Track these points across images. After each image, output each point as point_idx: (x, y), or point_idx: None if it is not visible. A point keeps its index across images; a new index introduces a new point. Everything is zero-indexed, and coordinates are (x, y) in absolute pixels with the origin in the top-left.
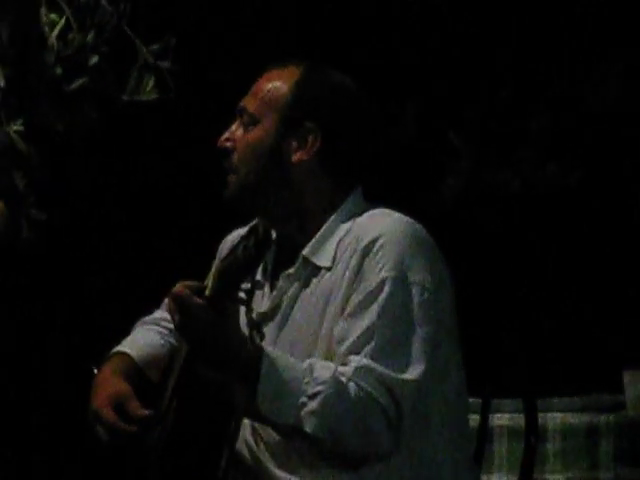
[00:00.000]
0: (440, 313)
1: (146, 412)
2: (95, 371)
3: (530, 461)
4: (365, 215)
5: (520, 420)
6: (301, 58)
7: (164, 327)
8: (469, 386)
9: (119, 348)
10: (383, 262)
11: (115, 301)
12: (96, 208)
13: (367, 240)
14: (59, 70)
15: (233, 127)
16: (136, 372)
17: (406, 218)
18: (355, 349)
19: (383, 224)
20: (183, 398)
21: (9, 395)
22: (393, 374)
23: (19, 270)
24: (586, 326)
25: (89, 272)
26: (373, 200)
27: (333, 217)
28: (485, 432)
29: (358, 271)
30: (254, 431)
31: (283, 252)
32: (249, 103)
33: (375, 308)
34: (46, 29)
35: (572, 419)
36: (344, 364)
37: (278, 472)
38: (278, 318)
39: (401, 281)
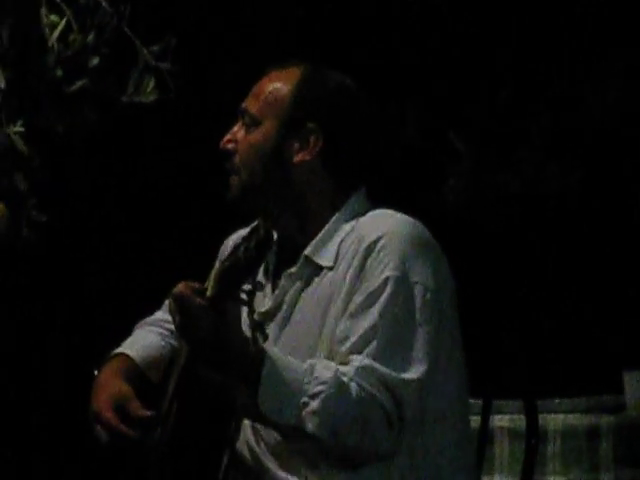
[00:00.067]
0: (442, 313)
1: (147, 413)
2: (95, 372)
3: (531, 462)
4: (368, 215)
5: (521, 421)
6: (301, 58)
7: (165, 328)
8: (470, 387)
9: (120, 349)
10: (385, 262)
11: (115, 302)
12: (96, 209)
13: (369, 240)
14: (59, 71)
15: (235, 128)
16: (137, 373)
17: (409, 218)
18: (357, 349)
19: (386, 224)
20: (184, 399)
21: (9, 395)
22: (394, 374)
23: (19, 270)
24: (586, 327)
25: (89, 273)
26: (376, 201)
27: (335, 217)
28: (486, 433)
29: (360, 271)
30: (255, 432)
31: (285, 252)
32: (250, 104)
33: (377, 308)
34: (46, 30)
35: (573, 420)
36: (345, 364)
37: (279, 472)
38: (280, 317)
39: (403, 281)
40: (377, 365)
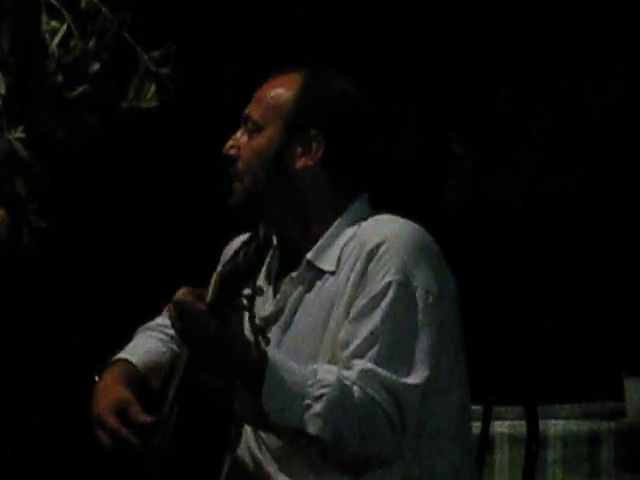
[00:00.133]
0: (444, 318)
1: (148, 418)
2: (96, 378)
3: (531, 468)
4: (370, 220)
5: (521, 427)
6: (303, 60)
7: (165, 334)
8: (470, 393)
9: (120, 355)
10: (388, 267)
11: (116, 306)
12: (97, 215)
13: (372, 245)
14: (60, 77)
15: (237, 134)
16: (138, 379)
17: (411, 224)
18: (359, 353)
19: (388, 229)
20: (184, 404)
21: (9, 395)
22: (396, 378)
23: (20, 272)
24: (587, 333)
25: (89, 279)
26: (377, 203)
27: (338, 222)
28: (486, 439)
29: (362, 275)
30: (256, 436)
31: (287, 256)
32: (253, 110)
33: (379, 312)
34: (47, 36)
35: (573, 426)
36: (348, 368)
37: (281, 477)
38: (281, 322)
39: (405, 286)
40: (379, 369)
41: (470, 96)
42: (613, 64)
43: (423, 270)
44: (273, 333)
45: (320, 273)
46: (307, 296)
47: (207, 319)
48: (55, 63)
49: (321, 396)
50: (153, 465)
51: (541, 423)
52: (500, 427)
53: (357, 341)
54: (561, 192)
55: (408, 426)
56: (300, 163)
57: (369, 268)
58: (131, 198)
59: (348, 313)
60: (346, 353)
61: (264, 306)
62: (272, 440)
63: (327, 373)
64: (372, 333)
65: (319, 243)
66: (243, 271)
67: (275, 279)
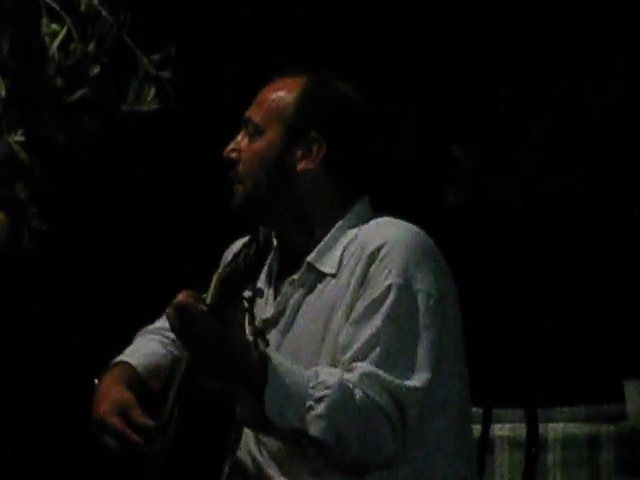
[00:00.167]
0: (445, 321)
1: (149, 421)
2: (96, 381)
3: (531, 471)
4: (371, 223)
5: (521, 430)
6: (303, 60)
7: (166, 337)
8: (470, 396)
9: (121, 357)
10: (389, 269)
11: (116, 310)
12: (97, 218)
13: (373, 247)
14: (60, 81)
15: (238, 137)
16: (138, 381)
17: (412, 226)
18: (360, 356)
19: (389, 232)
20: (185, 407)
21: (9, 395)
22: (398, 381)
23: (21, 274)
24: (587, 336)
25: (90, 281)
26: (378, 206)
27: (339, 224)
28: (486, 442)
29: (363, 278)
30: (257, 439)
31: (288, 258)
32: (254, 113)
33: (380, 315)
34: (47, 39)
35: (573, 429)
36: (349, 371)
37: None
38: (282, 324)
39: (406, 288)
40: (380, 372)
41: (470, 96)
42: (613, 64)
43: (424, 273)
44: (273, 335)
45: (321, 276)
46: (308, 298)
47: (207, 321)
48: (55, 66)
49: (323, 397)
50: (153, 467)
51: (541, 426)
52: (500, 430)
53: (358, 344)
54: (561, 192)
55: (409, 429)
56: (301, 166)
57: (370, 271)
58: (131, 201)
59: (349, 316)
60: (347, 356)
61: (265, 308)
62: (272, 443)
63: (329, 375)
64: (373, 336)
65: (320, 246)
66: (243, 273)
67: (276, 281)
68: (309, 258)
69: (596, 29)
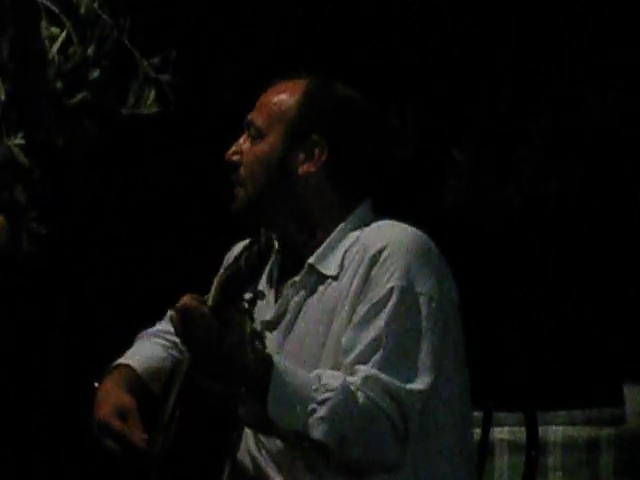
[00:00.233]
0: (446, 323)
1: (143, 434)
2: (96, 384)
3: (531, 474)
4: (372, 225)
5: (521, 433)
6: (303, 60)
7: (166, 339)
8: (470, 397)
9: (121, 360)
10: (390, 272)
11: (115, 313)
12: (97, 221)
13: (374, 250)
14: (60, 84)
15: (240, 140)
16: (139, 384)
17: (413, 229)
18: (362, 359)
19: (390, 234)
20: (185, 409)
21: (9, 395)
22: (400, 384)
23: (21, 274)
24: (587, 339)
25: (89, 284)
26: (378, 206)
27: (340, 227)
28: (486, 445)
29: (365, 281)
30: (257, 440)
31: (289, 260)
32: (256, 116)
33: (382, 318)
34: (47, 43)
35: (573, 432)
36: (351, 374)
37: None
38: (283, 326)
39: (408, 291)
40: (383, 375)
41: (470, 96)
42: (613, 64)
43: (426, 275)
44: (274, 337)
45: (322, 278)
46: (309, 300)
47: (209, 323)
48: (55, 70)
49: (325, 400)
50: (154, 469)
51: (541, 429)
52: (500, 433)
53: (360, 347)
54: (561, 192)
55: (411, 432)
56: (303, 169)
57: (372, 273)
58: (131, 204)
59: (351, 318)
60: (349, 359)
61: (266, 310)
62: (272, 443)
63: (331, 378)
64: (375, 339)
65: (321, 248)
66: (245, 275)
67: (277, 283)
68: (310, 260)
69: (596, 29)
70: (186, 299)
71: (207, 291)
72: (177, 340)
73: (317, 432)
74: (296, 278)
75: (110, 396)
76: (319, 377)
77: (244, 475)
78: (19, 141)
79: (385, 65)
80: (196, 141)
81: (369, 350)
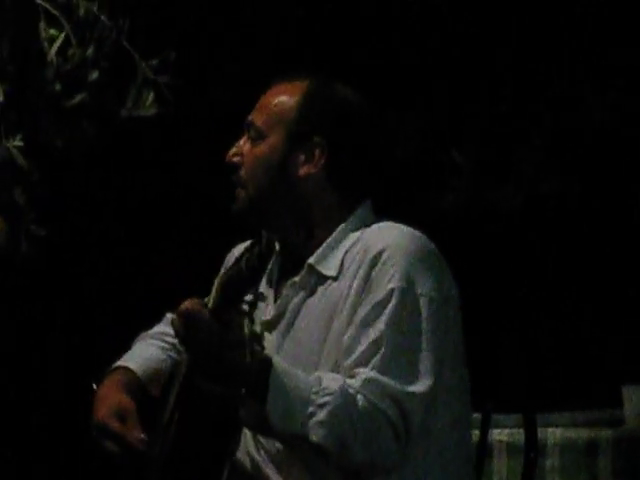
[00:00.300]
0: (447, 325)
1: (142, 435)
2: (94, 386)
3: (530, 476)
4: (373, 227)
5: (519, 435)
6: (303, 60)
7: (165, 341)
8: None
9: (120, 362)
10: (391, 273)
11: (114, 314)
12: (95, 223)
13: (375, 251)
14: (58, 86)
15: (241, 142)
16: (138, 386)
17: (414, 231)
18: (362, 361)
19: (391, 236)
20: (185, 411)
21: (9, 395)
22: (400, 387)
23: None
24: (586, 341)
25: (88, 286)
26: (378, 206)
27: (341, 227)
28: (485, 447)
29: (366, 281)
30: (255, 440)
31: (290, 261)
32: (256, 118)
33: (382, 320)
34: (45, 44)
35: (571, 434)
36: (352, 376)
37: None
38: (282, 326)
39: (409, 292)
40: (383, 378)
41: (470, 96)
42: (613, 64)
43: (426, 277)
44: (274, 337)
45: (322, 278)
46: (309, 301)
47: (210, 326)
48: (54, 71)
49: (325, 404)
50: (154, 471)
51: (539, 431)
52: (498, 435)
53: (361, 348)
54: (561, 192)
55: (412, 434)
56: (303, 170)
57: (372, 274)
58: (130, 206)
59: (351, 319)
60: (349, 361)
61: (265, 310)
62: (271, 444)
63: (331, 381)
64: (376, 341)
65: (321, 248)
66: (245, 277)
67: (277, 283)
68: (310, 260)
69: (596, 29)
70: (188, 303)
71: (207, 292)
72: (176, 342)
73: (316, 436)
74: (296, 278)
75: (109, 398)
76: (319, 380)
77: (243, 476)
78: (18, 143)
79: (385, 65)
80: (195, 143)
81: (369, 352)
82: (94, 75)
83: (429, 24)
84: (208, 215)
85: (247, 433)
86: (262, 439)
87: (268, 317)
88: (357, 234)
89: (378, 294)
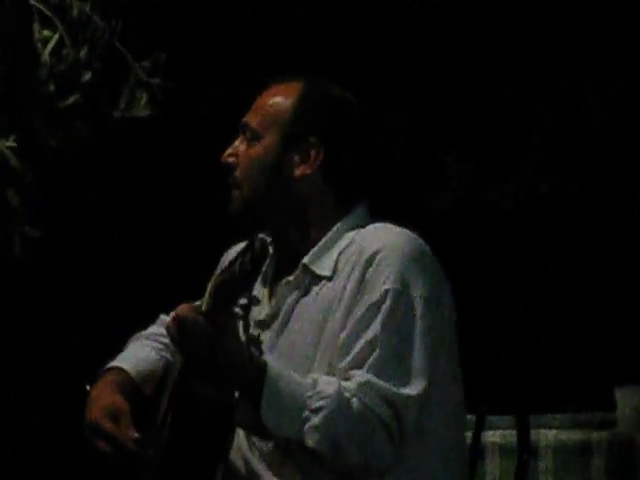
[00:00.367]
0: (441, 327)
1: (136, 434)
2: (87, 387)
3: (522, 478)
4: (368, 227)
5: (512, 437)
6: (303, 60)
7: (159, 342)
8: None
9: (114, 363)
10: (385, 274)
11: (108, 316)
12: (89, 224)
13: (369, 252)
14: (52, 86)
15: (236, 143)
16: (131, 387)
17: (409, 232)
18: (357, 363)
19: (386, 237)
20: (178, 413)
21: (9, 395)
22: (395, 390)
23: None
24: (579, 344)
25: (83, 287)
26: (376, 206)
27: (336, 228)
28: (478, 449)
29: (360, 283)
30: (248, 439)
31: (284, 260)
32: (251, 119)
33: (377, 322)
34: (39, 45)
35: (564, 436)
36: (346, 378)
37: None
38: (276, 325)
39: (403, 294)
40: (378, 380)
41: (470, 96)
42: (613, 64)
43: (420, 278)
44: (267, 337)
45: (316, 278)
46: (303, 300)
47: (205, 332)
48: (47, 72)
49: (320, 408)
50: (147, 472)
51: (532, 432)
52: (491, 437)
53: (355, 350)
54: (561, 192)
55: (406, 437)
56: (298, 171)
57: (367, 276)
58: (123, 207)
59: (346, 320)
60: (344, 363)
61: (259, 310)
62: (264, 443)
63: (326, 385)
64: (370, 342)
65: (316, 248)
66: (239, 280)
67: (271, 283)
68: (305, 260)
69: (596, 29)
70: (182, 308)
71: (201, 293)
72: (169, 342)
73: (311, 440)
74: (290, 278)
75: (102, 398)
76: (314, 383)
77: (236, 475)
78: (11, 143)
79: (385, 65)
80: (188, 144)
81: (364, 354)
82: (87, 76)
83: (429, 24)
84: (202, 216)
85: (240, 432)
86: (255, 438)
87: (262, 316)
88: (352, 234)
89: (373, 295)
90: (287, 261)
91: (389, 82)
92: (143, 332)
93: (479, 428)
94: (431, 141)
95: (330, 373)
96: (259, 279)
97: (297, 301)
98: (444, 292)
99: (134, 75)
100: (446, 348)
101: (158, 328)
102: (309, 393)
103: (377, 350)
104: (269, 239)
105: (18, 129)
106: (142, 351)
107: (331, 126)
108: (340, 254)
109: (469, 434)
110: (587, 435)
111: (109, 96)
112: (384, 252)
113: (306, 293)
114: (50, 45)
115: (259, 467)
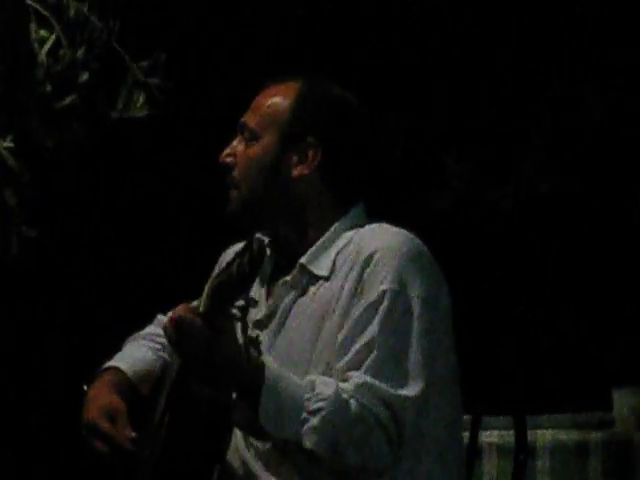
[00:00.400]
0: (438, 328)
1: (133, 434)
2: (85, 387)
3: (520, 478)
4: (366, 228)
5: (509, 437)
6: (303, 60)
7: (156, 342)
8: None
9: (111, 363)
10: (383, 275)
11: (105, 316)
12: (86, 224)
13: (367, 253)
14: (49, 87)
15: (234, 143)
16: (128, 387)
17: (406, 233)
18: (355, 364)
19: (383, 237)
20: (175, 413)
21: (9, 395)
22: (393, 391)
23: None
24: (577, 344)
25: (80, 288)
26: (376, 207)
27: (333, 228)
28: (475, 449)
29: (358, 283)
30: (245, 438)
31: (282, 260)
32: (250, 119)
33: (375, 322)
34: (36, 45)
35: (561, 436)
36: (344, 379)
37: (269, 479)
38: (274, 325)
39: (400, 294)
40: (376, 382)
41: (470, 96)
42: (613, 64)
43: (418, 279)
44: (265, 337)
45: (314, 278)
46: (300, 300)
47: (202, 333)
48: (44, 72)
49: (318, 410)
50: (144, 472)
51: (530, 433)
52: (488, 437)
53: (353, 351)
54: (561, 192)
55: (404, 437)
56: (296, 171)
57: (364, 276)
58: (120, 207)
59: (343, 320)
60: (342, 363)
61: (257, 310)
62: (261, 444)
63: (324, 386)
64: (368, 343)
65: (313, 248)
66: (236, 282)
67: (269, 282)
68: (302, 260)
69: (596, 29)
70: (179, 310)
71: (199, 293)
72: (166, 342)
73: (309, 442)
74: (287, 278)
75: (99, 398)
76: (312, 385)
77: (233, 475)
78: (8, 144)
79: (385, 65)
80: (187, 144)
81: (362, 354)
82: (84, 76)
83: (429, 24)
84: (200, 216)
85: (237, 432)
86: (252, 438)
87: (259, 316)
88: (350, 234)
89: (370, 296)
90: (285, 261)
91: (389, 82)
92: (140, 332)
93: (476, 428)
94: (431, 141)
95: (327, 373)
96: (257, 279)
97: (294, 301)
98: (442, 292)
99: (132, 75)
100: (443, 348)
101: (155, 328)
102: (307, 395)
103: (375, 351)
104: (267, 239)
105: (15, 129)
106: (139, 351)
107: (329, 126)
108: (338, 254)
109: (466, 434)
110: (584, 435)
111: (106, 96)
112: (382, 252)
113: (303, 293)
114: (47, 45)
115: (256, 467)
